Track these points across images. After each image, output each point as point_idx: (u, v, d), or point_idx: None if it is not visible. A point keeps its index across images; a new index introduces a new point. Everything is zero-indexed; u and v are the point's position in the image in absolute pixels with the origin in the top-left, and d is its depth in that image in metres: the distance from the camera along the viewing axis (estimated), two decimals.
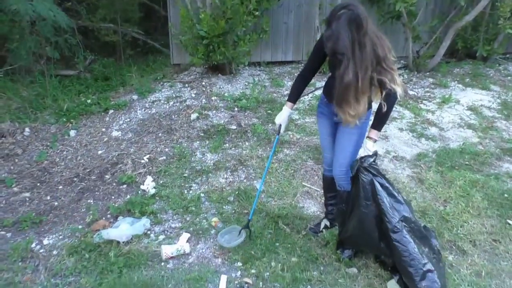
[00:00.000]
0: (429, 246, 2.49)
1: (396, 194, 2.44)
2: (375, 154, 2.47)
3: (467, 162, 4.05)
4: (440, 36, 6.20)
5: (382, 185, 2.40)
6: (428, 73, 6.23)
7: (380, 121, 2.49)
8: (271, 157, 2.94)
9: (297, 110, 4.87)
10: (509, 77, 6.30)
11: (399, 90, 2.34)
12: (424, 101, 5.40)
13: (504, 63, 6.80)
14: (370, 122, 2.58)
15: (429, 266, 2.33)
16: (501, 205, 3.35)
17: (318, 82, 5.40)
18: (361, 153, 2.49)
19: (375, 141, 2.50)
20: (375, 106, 2.53)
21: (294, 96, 2.74)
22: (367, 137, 2.51)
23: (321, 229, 3.01)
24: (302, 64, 6.25)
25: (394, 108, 5.07)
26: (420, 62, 6.24)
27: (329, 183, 2.94)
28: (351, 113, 2.34)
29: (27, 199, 3.42)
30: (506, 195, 3.48)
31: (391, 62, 2.32)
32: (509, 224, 3.15)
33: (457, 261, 2.76)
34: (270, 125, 4.53)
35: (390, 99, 2.39)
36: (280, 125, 2.79)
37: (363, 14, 2.19)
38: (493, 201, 3.40)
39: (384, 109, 2.40)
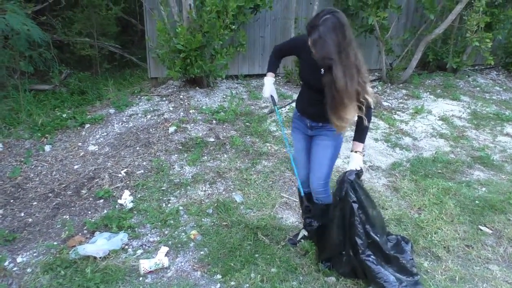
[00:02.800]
0: (398, 266, 2.56)
1: (371, 214, 2.51)
2: (361, 171, 2.50)
3: (439, 171, 4.16)
4: (412, 49, 6.41)
5: (361, 206, 2.45)
6: (401, 85, 6.41)
7: (362, 133, 2.50)
8: (281, 123, 2.99)
9: (274, 122, 4.92)
10: (477, 88, 6.54)
11: (372, 104, 2.39)
12: (398, 112, 5.54)
13: (473, 74, 7.05)
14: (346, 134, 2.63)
15: (404, 283, 2.43)
16: (473, 212, 3.46)
17: (295, 94, 5.48)
18: (350, 167, 2.50)
19: (363, 154, 2.51)
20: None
21: (274, 68, 2.82)
22: (354, 151, 2.50)
23: (299, 239, 3.03)
24: (280, 77, 6.34)
25: None
26: (393, 74, 6.42)
27: (306, 199, 2.98)
28: (347, 117, 2.29)
29: (0, 216, 3.34)
30: (477, 201, 3.59)
31: (365, 76, 2.33)
32: (481, 230, 3.24)
33: (432, 267, 2.82)
34: (248, 137, 4.56)
35: (369, 112, 2.42)
36: (272, 96, 2.81)
37: (347, 24, 2.22)
38: (465, 207, 3.51)
39: (365, 122, 2.43)
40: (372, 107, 2.41)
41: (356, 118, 2.43)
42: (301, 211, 3.13)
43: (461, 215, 3.40)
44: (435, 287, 2.62)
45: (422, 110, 5.50)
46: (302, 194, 2.85)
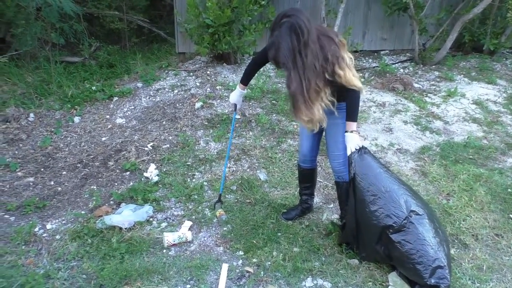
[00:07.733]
0: (443, 232, 2.49)
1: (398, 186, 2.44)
2: (363, 148, 2.48)
3: (471, 156, 4.03)
4: (447, 29, 6.14)
5: (379, 184, 2.40)
6: (434, 66, 6.18)
7: (351, 112, 2.47)
8: (232, 132, 3.20)
9: None
10: None
11: (357, 85, 2.35)
12: (429, 94, 5.37)
13: (511, 57, 6.73)
14: None
15: (439, 262, 2.29)
16: (505, 200, 3.34)
17: None
18: (349, 148, 2.46)
19: (358, 133, 2.49)
20: None
21: (246, 79, 2.85)
22: (350, 131, 2.46)
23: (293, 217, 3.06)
24: None
25: (399, 101, 5.03)
26: (426, 55, 6.18)
27: (304, 174, 3.01)
28: (304, 118, 2.35)
29: (31, 183, 3.44)
30: (509, 190, 3.47)
31: (340, 62, 2.28)
32: None
33: (459, 254, 2.76)
34: (274, 115, 4.51)
35: (352, 92, 2.39)
36: (235, 104, 2.98)
37: (305, 24, 2.16)
38: (496, 195, 3.39)
39: (349, 104, 2.44)
40: (356, 88, 2.36)
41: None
42: (298, 188, 3.16)
43: (492, 203, 3.29)
44: (461, 275, 2.56)
45: (455, 93, 5.30)
46: (301, 168, 2.99)
